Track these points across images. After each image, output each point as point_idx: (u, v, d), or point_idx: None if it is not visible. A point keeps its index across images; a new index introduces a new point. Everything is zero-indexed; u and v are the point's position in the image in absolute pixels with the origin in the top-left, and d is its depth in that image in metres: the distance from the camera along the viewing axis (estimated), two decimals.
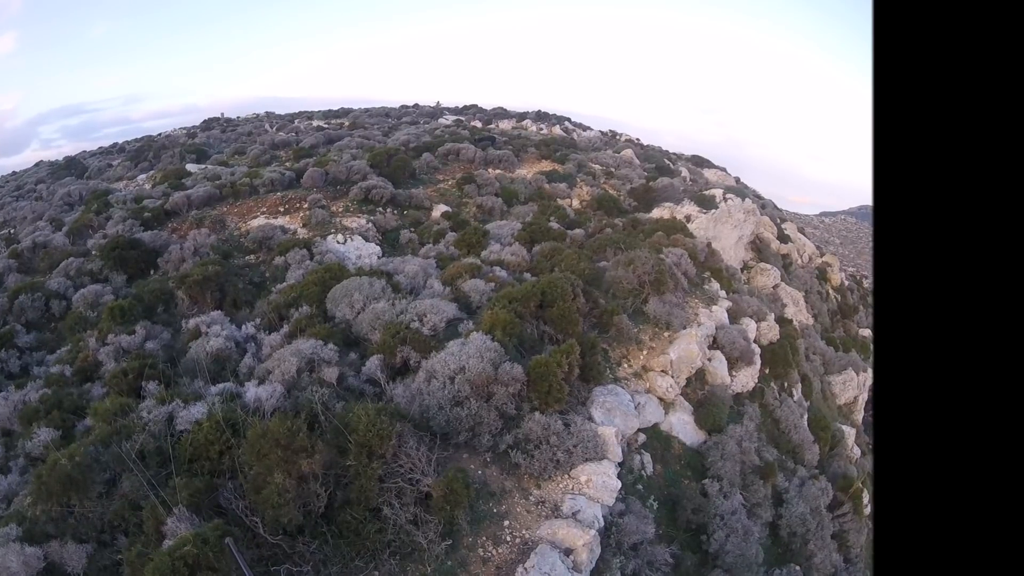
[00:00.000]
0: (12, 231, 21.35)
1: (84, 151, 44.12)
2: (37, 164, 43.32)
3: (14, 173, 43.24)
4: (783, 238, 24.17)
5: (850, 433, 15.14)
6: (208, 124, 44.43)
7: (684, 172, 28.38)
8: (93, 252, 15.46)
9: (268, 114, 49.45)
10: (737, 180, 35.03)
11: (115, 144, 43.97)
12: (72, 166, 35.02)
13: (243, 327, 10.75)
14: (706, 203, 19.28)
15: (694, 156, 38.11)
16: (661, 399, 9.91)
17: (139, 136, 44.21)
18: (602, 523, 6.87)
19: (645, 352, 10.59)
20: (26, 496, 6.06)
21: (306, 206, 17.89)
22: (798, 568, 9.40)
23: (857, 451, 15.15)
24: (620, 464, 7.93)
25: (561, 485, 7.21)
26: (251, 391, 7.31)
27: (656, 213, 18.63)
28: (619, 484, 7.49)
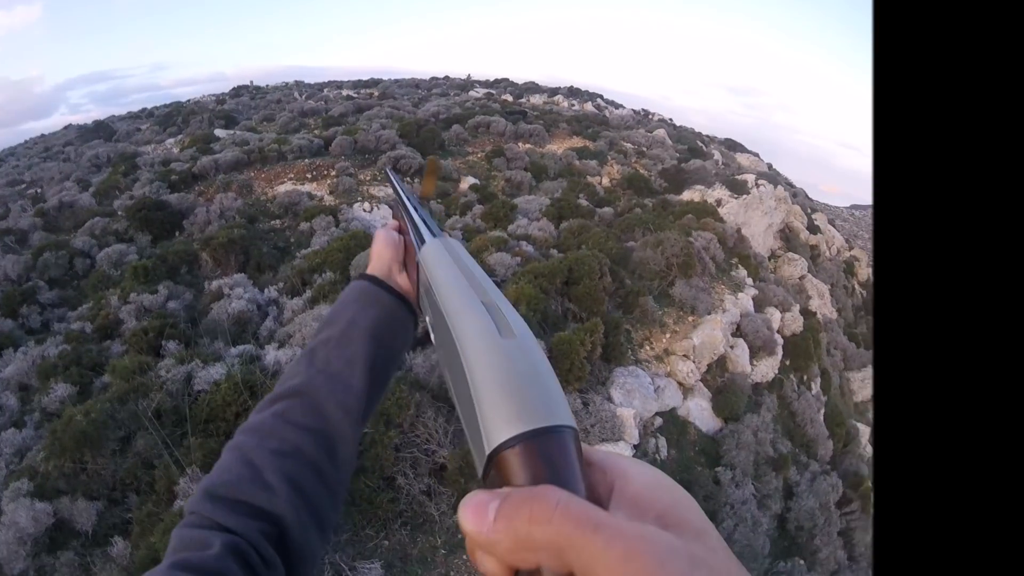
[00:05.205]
0: (39, 191, 21.46)
1: (113, 115, 43.97)
2: (66, 127, 43.13)
3: (43, 136, 43.31)
4: (813, 229, 23.76)
5: (864, 431, 14.92)
6: (237, 91, 44.38)
7: (717, 155, 27.97)
8: (119, 212, 15.52)
9: (297, 83, 49.24)
10: (769, 166, 34.46)
11: (144, 109, 43.84)
12: (100, 129, 35.16)
13: (266, 291, 10.74)
14: (737, 188, 18.96)
15: (727, 139, 37.41)
16: (681, 384, 9.80)
17: (168, 102, 43.90)
18: None
19: (668, 335, 10.47)
20: (39, 451, 6.08)
21: (333, 174, 17.80)
22: (802, 562, 9.29)
23: (870, 449, 14.93)
24: (636, 446, 7.86)
25: None
26: (271, 354, 7.28)
27: (687, 195, 18.36)
28: None
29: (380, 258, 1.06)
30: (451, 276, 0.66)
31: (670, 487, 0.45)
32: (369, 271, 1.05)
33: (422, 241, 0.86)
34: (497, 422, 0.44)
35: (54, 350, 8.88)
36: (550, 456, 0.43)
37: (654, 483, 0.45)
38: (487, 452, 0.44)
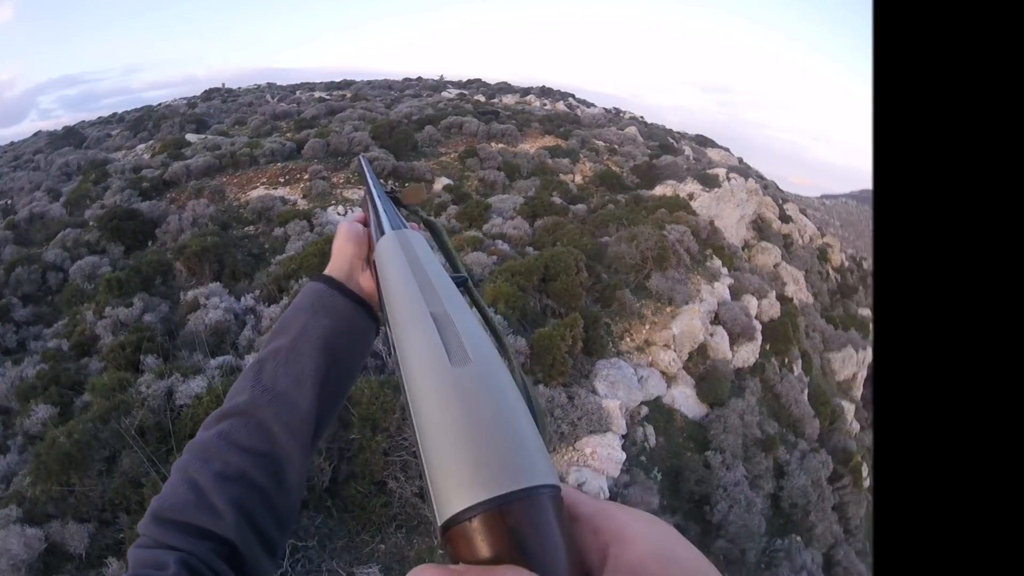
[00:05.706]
0: (9, 202, 21.02)
1: (83, 121, 43.18)
2: (35, 134, 42.37)
3: (12, 144, 42.41)
4: (784, 218, 24.09)
5: (849, 408, 15.21)
6: (209, 94, 43.81)
7: (687, 151, 28.17)
8: (90, 223, 15.25)
9: (270, 85, 48.66)
10: (740, 160, 34.76)
11: (114, 114, 43.04)
12: (71, 136, 34.58)
13: (242, 299, 10.62)
14: (709, 182, 19.10)
15: (698, 136, 37.66)
16: (663, 373, 9.89)
17: (139, 106, 43.29)
18: (607, 494, 6.86)
19: (647, 327, 10.55)
20: (25, 476, 5.98)
21: (306, 177, 17.67)
22: (799, 539, 9.46)
23: (856, 426, 15.21)
24: (624, 436, 7.92)
25: (566, 457, 7.19)
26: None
27: (659, 190, 18.46)
28: (623, 456, 7.48)
29: (341, 255, 0.96)
30: (400, 280, 0.55)
31: (679, 558, 0.36)
32: (328, 270, 0.95)
33: (381, 234, 0.75)
34: (448, 489, 0.36)
35: (32, 370, 8.70)
36: (519, 527, 0.33)
37: (658, 551, 0.36)
38: (438, 524, 0.36)
